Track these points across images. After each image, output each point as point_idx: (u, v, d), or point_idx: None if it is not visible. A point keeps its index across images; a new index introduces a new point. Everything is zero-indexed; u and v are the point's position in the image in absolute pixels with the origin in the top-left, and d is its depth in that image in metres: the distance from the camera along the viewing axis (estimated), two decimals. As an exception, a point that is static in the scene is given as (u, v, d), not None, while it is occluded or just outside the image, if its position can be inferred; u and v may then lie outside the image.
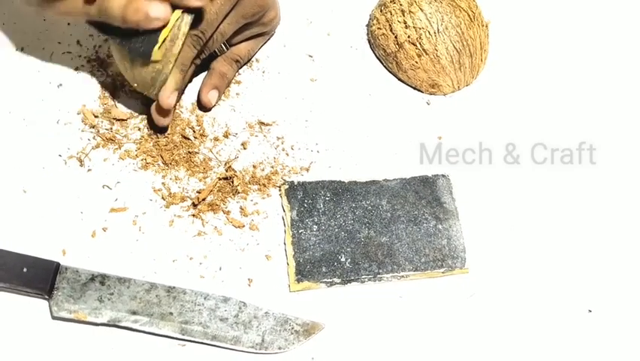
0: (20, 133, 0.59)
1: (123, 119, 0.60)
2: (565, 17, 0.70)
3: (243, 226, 0.57)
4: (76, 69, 0.62)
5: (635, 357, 0.55)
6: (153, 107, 0.58)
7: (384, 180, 0.59)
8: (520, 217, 0.60)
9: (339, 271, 0.55)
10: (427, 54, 0.62)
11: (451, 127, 0.63)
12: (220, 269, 0.56)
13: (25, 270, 0.52)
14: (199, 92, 0.61)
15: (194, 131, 0.60)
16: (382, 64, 0.66)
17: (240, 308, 0.54)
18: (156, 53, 0.53)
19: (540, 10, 0.70)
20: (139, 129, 0.60)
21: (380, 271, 0.56)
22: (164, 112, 0.58)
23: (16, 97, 0.60)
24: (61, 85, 0.61)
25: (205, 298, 0.54)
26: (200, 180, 0.58)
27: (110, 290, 0.53)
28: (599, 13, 0.71)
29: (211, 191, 0.58)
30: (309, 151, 0.61)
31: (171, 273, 0.55)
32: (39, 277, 0.52)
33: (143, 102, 0.61)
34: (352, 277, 0.55)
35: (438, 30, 0.62)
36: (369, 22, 0.67)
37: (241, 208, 0.58)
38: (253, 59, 0.65)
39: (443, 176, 0.60)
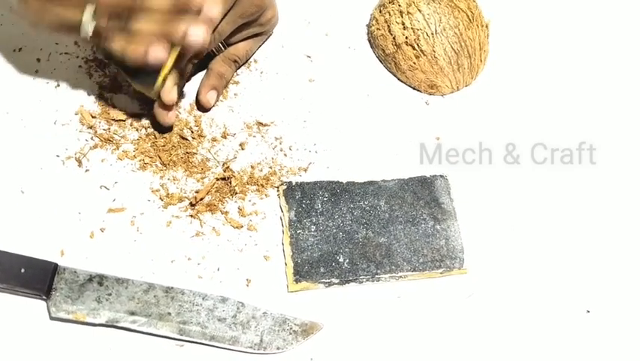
0: (18, 134, 0.59)
1: (121, 120, 0.60)
2: (565, 18, 0.70)
3: (241, 227, 0.57)
4: (74, 70, 0.62)
5: (633, 357, 0.55)
6: (156, 105, 0.58)
7: (382, 180, 0.59)
8: (519, 217, 0.60)
9: (338, 271, 0.55)
10: (424, 55, 0.62)
11: (450, 127, 0.63)
12: (218, 270, 0.55)
13: (23, 271, 0.52)
14: (197, 92, 0.61)
15: (192, 132, 0.60)
16: (382, 64, 0.66)
17: (238, 309, 0.54)
18: (158, 86, 0.55)
19: (541, 11, 0.70)
20: (137, 130, 0.60)
21: (378, 271, 0.55)
22: (167, 108, 0.57)
23: (14, 97, 0.60)
24: (58, 85, 0.61)
25: (203, 299, 0.54)
26: (198, 181, 0.58)
27: (108, 291, 0.53)
28: (598, 13, 0.71)
29: (209, 191, 0.58)
30: (307, 152, 0.61)
31: (169, 273, 0.55)
32: (37, 278, 0.52)
33: (141, 103, 0.61)
34: (350, 278, 0.55)
35: (435, 31, 0.62)
36: (369, 22, 0.67)
37: (239, 209, 0.58)
38: (251, 59, 0.65)
39: (441, 176, 0.60)
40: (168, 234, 0.56)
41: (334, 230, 0.57)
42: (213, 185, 0.58)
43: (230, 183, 0.58)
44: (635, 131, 0.65)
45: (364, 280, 0.56)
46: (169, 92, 0.56)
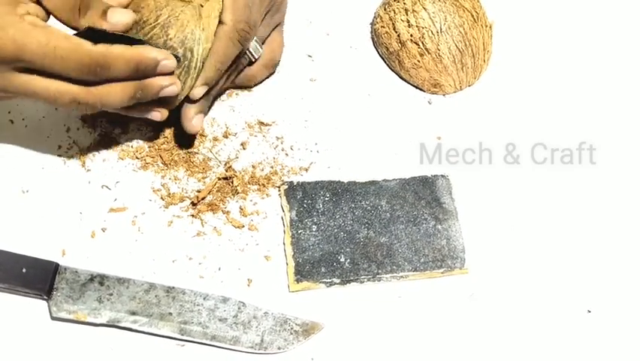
0: (20, 133, 0.59)
1: (123, 120, 0.60)
2: (567, 20, 0.70)
3: (243, 226, 0.57)
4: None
5: (634, 357, 0.55)
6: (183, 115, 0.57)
7: (383, 180, 0.59)
8: (519, 217, 0.60)
9: (339, 271, 0.55)
10: (429, 53, 0.62)
11: (452, 127, 0.63)
12: (219, 269, 0.55)
13: (24, 270, 0.52)
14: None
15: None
16: (385, 62, 0.66)
17: (239, 308, 0.54)
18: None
19: (543, 12, 0.70)
20: (138, 129, 0.60)
21: (379, 271, 0.56)
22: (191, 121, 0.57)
23: (16, 97, 0.60)
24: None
25: (204, 299, 0.54)
26: (199, 181, 0.58)
27: (110, 291, 0.53)
28: (599, 15, 0.71)
29: (210, 191, 0.58)
30: (309, 151, 0.61)
31: (170, 273, 0.55)
32: (38, 278, 0.52)
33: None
34: (351, 278, 0.55)
35: (441, 30, 0.62)
36: (373, 20, 0.67)
37: (240, 208, 0.58)
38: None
39: (442, 176, 0.60)
40: (169, 233, 0.56)
41: (335, 230, 0.57)
42: (215, 184, 0.58)
43: (232, 182, 0.58)
44: (635, 131, 0.65)
45: (365, 280, 0.56)
46: (191, 119, 0.56)
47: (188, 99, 0.56)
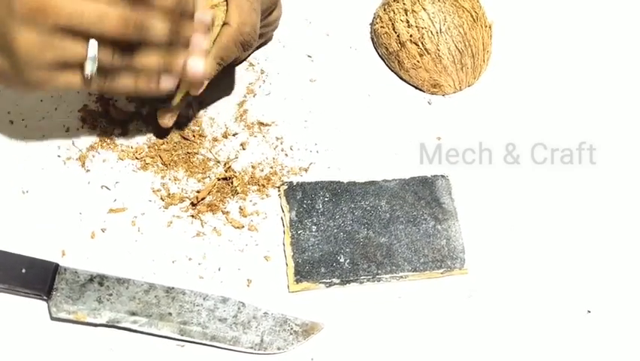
0: (19, 134, 0.59)
1: (122, 120, 0.60)
2: (567, 20, 0.70)
3: (242, 227, 0.57)
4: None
5: (634, 358, 0.55)
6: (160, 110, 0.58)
7: (383, 180, 0.59)
8: (519, 218, 0.60)
9: (338, 271, 0.55)
10: (428, 54, 0.62)
11: (451, 127, 0.63)
12: (219, 270, 0.55)
13: (23, 271, 0.52)
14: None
15: (192, 132, 0.60)
16: (385, 63, 0.66)
17: (239, 309, 0.54)
18: (176, 104, 0.56)
19: (543, 12, 0.70)
20: (138, 130, 0.60)
21: (379, 271, 0.55)
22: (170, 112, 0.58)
23: (15, 97, 0.60)
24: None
25: (204, 299, 0.54)
26: (199, 181, 0.58)
27: (109, 291, 0.53)
28: (599, 15, 0.71)
29: (210, 191, 0.58)
30: (308, 152, 0.61)
31: (170, 273, 0.55)
32: (38, 278, 0.52)
33: (142, 103, 0.61)
34: (351, 278, 0.55)
35: (440, 30, 0.62)
36: (372, 20, 0.67)
37: (240, 209, 0.58)
38: (252, 59, 0.65)
39: (442, 176, 0.60)
40: (169, 234, 0.56)
41: (335, 230, 0.57)
42: (214, 185, 0.58)
43: (232, 183, 0.58)
44: (635, 131, 0.65)
45: (365, 280, 0.56)
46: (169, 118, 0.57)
47: (187, 95, 0.56)
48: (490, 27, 0.65)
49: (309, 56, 0.66)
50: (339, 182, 0.59)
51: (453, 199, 0.59)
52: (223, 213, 0.57)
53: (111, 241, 0.56)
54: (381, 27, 0.65)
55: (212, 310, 0.53)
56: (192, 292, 0.54)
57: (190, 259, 0.56)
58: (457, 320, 0.55)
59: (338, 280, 0.55)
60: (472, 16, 0.63)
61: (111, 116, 0.60)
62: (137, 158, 0.59)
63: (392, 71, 0.66)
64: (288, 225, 0.56)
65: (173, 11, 0.50)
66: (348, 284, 0.56)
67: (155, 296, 0.53)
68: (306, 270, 0.55)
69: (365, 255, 0.56)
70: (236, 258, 0.56)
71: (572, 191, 0.62)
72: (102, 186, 0.58)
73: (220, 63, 0.55)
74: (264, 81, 0.64)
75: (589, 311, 0.57)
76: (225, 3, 0.54)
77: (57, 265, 0.53)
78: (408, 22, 0.63)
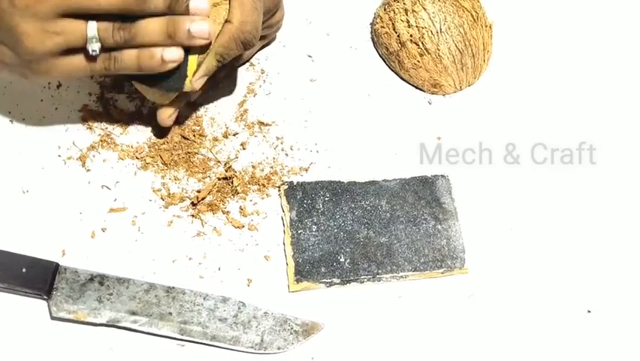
0: (20, 133, 0.59)
1: (122, 120, 0.60)
2: (567, 20, 0.70)
3: (243, 227, 0.57)
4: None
5: (634, 357, 0.55)
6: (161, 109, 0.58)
7: (383, 180, 0.59)
8: (519, 217, 0.60)
9: (339, 271, 0.55)
10: (429, 53, 0.62)
11: (451, 127, 0.63)
12: (219, 269, 0.55)
13: (24, 270, 0.52)
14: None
15: (193, 132, 0.60)
16: (385, 62, 0.66)
17: (239, 308, 0.54)
18: (188, 85, 0.54)
19: (543, 13, 0.70)
20: (138, 130, 0.60)
21: (379, 271, 0.56)
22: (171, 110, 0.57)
23: (15, 97, 0.60)
24: (60, 85, 0.61)
25: (204, 299, 0.54)
26: (199, 181, 0.58)
27: (109, 290, 0.53)
28: (599, 15, 0.71)
29: (210, 191, 0.58)
30: (309, 151, 0.61)
31: (170, 273, 0.55)
32: (38, 278, 0.52)
33: (142, 103, 0.61)
34: (351, 278, 0.55)
35: (440, 30, 0.62)
36: (373, 20, 0.67)
37: (240, 208, 0.58)
38: (252, 58, 0.65)
39: (442, 176, 0.60)
40: (169, 234, 0.56)
41: (335, 230, 0.57)
42: (214, 185, 0.58)
43: (232, 182, 0.58)
44: (635, 131, 0.65)
45: (365, 280, 0.56)
46: (197, 82, 0.55)
47: (186, 94, 0.57)
48: (490, 27, 0.65)
49: (309, 56, 0.66)
50: (339, 182, 0.59)
51: (453, 199, 0.59)
52: (223, 212, 0.57)
53: (111, 241, 0.56)
54: (381, 27, 0.65)
55: (212, 310, 0.53)
56: (192, 292, 0.54)
57: (190, 258, 0.56)
58: (457, 320, 0.55)
59: (338, 280, 0.55)
60: (472, 16, 0.63)
61: (111, 115, 0.60)
62: (137, 158, 0.59)
63: (392, 70, 0.66)
64: (289, 224, 0.56)
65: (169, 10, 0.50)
66: (348, 284, 0.56)
67: (156, 296, 0.53)
68: (307, 270, 0.55)
69: (365, 255, 0.56)
70: (237, 257, 0.56)
71: (572, 191, 0.62)
72: (102, 186, 0.58)
73: (220, 61, 0.55)
74: (264, 81, 0.64)
75: (589, 311, 0.57)
76: (228, 2, 0.54)
77: (57, 265, 0.53)
78: (408, 22, 0.63)
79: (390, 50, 0.64)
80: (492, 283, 0.57)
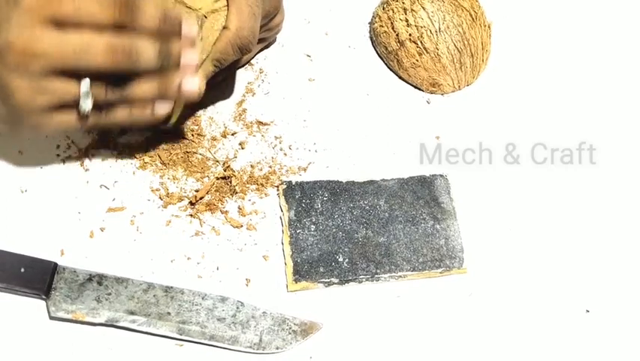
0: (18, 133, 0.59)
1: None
2: (566, 19, 0.70)
3: (241, 226, 0.57)
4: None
5: (633, 357, 0.55)
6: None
7: (382, 180, 0.59)
8: (519, 217, 0.60)
9: (337, 271, 0.55)
10: (427, 53, 0.62)
11: (451, 127, 0.63)
12: (218, 269, 0.55)
13: (22, 270, 0.52)
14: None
15: (191, 131, 0.60)
16: (384, 62, 0.66)
17: (237, 308, 0.54)
18: (173, 124, 0.56)
19: (543, 12, 0.70)
20: (137, 130, 0.60)
21: (378, 271, 0.55)
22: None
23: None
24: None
25: (203, 298, 0.54)
26: (197, 180, 0.58)
27: (108, 290, 0.53)
28: (599, 15, 0.71)
29: (209, 191, 0.58)
30: (307, 151, 0.61)
31: (169, 273, 0.55)
32: (37, 278, 0.52)
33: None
34: (350, 277, 0.55)
35: (439, 29, 0.62)
36: (371, 19, 0.67)
37: (239, 208, 0.58)
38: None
39: (441, 176, 0.60)
40: (168, 233, 0.56)
41: (334, 230, 0.57)
42: (213, 184, 0.58)
43: (231, 182, 0.58)
44: (635, 131, 0.65)
45: (364, 279, 0.56)
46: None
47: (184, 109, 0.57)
48: (489, 26, 0.65)
49: (308, 56, 0.66)
50: (337, 181, 0.59)
51: (452, 199, 0.59)
52: (222, 212, 0.57)
53: (110, 241, 0.56)
54: (380, 26, 0.65)
55: (210, 310, 0.53)
56: (191, 292, 0.54)
57: (189, 258, 0.56)
58: (456, 320, 0.55)
59: (337, 280, 0.55)
60: (471, 15, 0.63)
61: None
62: (135, 157, 0.59)
63: (391, 70, 0.66)
64: (287, 224, 0.56)
65: (159, 31, 0.50)
66: (346, 284, 0.56)
67: (154, 296, 0.53)
68: (305, 269, 0.55)
69: (364, 254, 0.56)
70: (235, 257, 0.56)
71: (572, 191, 0.62)
72: (101, 186, 0.58)
73: (217, 66, 0.55)
74: (262, 80, 0.64)
75: (587, 311, 0.57)
76: (226, 8, 0.54)
77: (56, 265, 0.53)
78: (407, 21, 0.63)
79: (389, 49, 0.64)
80: (491, 282, 0.57)
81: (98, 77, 0.49)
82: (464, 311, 0.56)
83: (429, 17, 0.62)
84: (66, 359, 0.51)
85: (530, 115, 0.65)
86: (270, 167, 0.60)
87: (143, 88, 0.51)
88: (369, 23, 0.68)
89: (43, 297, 0.52)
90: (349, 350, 0.54)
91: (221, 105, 0.62)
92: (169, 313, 0.53)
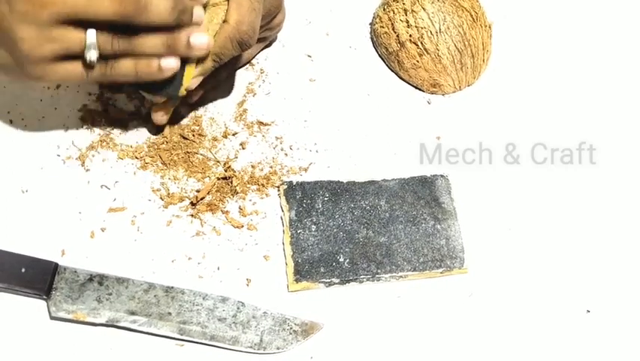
0: (19, 133, 0.59)
1: (122, 120, 0.60)
2: (566, 19, 0.70)
3: (242, 226, 0.57)
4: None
5: (633, 357, 0.55)
6: (155, 108, 0.58)
7: (382, 180, 0.59)
8: (519, 217, 0.60)
9: (338, 271, 0.55)
10: (428, 53, 0.62)
11: (451, 127, 0.63)
12: (218, 269, 0.55)
13: (23, 270, 0.52)
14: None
15: (192, 132, 0.60)
16: (384, 62, 0.66)
17: (238, 308, 0.54)
18: (182, 93, 0.55)
19: (543, 12, 0.70)
20: (137, 129, 0.60)
21: (378, 271, 0.55)
22: (164, 109, 0.58)
23: (15, 97, 0.60)
24: (59, 85, 0.61)
25: (203, 298, 0.54)
26: (198, 181, 0.58)
27: (109, 290, 0.53)
28: (599, 15, 0.71)
29: (209, 191, 0.58)
30: (308, 151, 0.61)
31: (170, 273, 0.55)
32: (37, 278, 0.52)
33: (141, 102, 0.61)
34: (351, 278, 0.55)
35: (440, 30, 0.62)
36: (372, 20, 0.67)
37: (240, 208, 0.58)
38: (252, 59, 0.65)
39: (442, 176, 0.60)
40: (169, 233, 0.56)
41: (335, 230, 0.57)
42: (214, 184, 0.58)
43: (231, 182, 0.58)
44: (635, 131, 0.65)
45: (365, 279, 0.56)
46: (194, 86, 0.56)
47: (185, 98, 0.57)
48: (489, 27, 0.65)
49: (308, 56, 0.66)
50: (338, 181, 0.59)
51: (452, 199, 0.59)
52: (223, 212, 0.57)
53: (111, 241, 0.56)
54: (380, 27, 0.65)
55: (211, 310, 0.53)
56: (192, 292, 0.54)
57: (189, 258, 0.56)
58: (456, 320, 0.55)
59: (337, 280, 0.55)
60: (471, 15, 0.63)
61: (111, 115, 0.60)
62: (136, 157, 0.59)
63: (392, 70, 0.66)
64: (288, 224, 0.56)
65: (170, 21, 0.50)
66: (347, 284, 0.56)
67: (155, 296, 0.53)
68: (306, 269, 0.55)
69: (365, 254, 0.56)
70: (236, 257, 0.56)
71: (572, 191, 0.62)
72: (102, 186, 0.58)
73: (216, 60, 0.55)
74: (263, 81, 0.64)
75: (588, 311, 0.57)
76: (226, 2, 0.54)
77: (57, 265, 0.53)
78: (407, 22, 0.63)
79: (390, 50, 0.64)
80: (491, 282, 0.57)
81: (106, 28, 0.49)
82: (465, 311, 0.56)
83: (429, 18, 0.62)
84: (67, 359, 0.51)
85: (530, 115, 0.65)
86: (271, 167, 0.60)
87: (150, 42, 0.50)
88: (370, 24, 0.68)
89: (44, 297, 0.52)
90: (350, 350, 0.54)
91: (222, 105, 0.62)
92: (170, 314, 0.53)
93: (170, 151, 0.59)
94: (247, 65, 0.64)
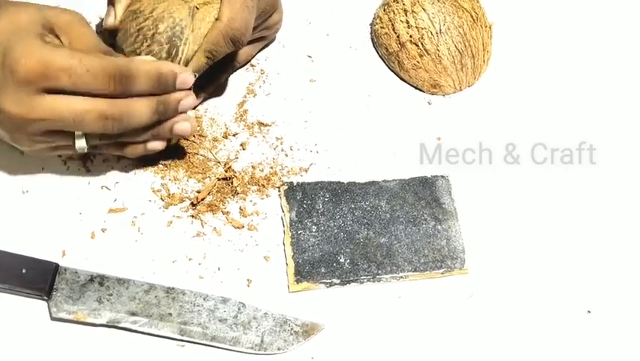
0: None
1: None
2: (566, 20, 0.70)
3: (242, 227, 0.57)
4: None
5: (634, 358, 0.55)
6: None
7: (383, 180, 0.59)
8: (519, 218, 0.60)
9: (339, 271, 0.55)
10: (428, 54, 0.62)
11: (451, 127, 0.63)
12: (219, 270, 0.55)
13: (24, 271, 0.52)
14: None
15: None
16: (385, 63, 0.66)
17: (239, 309, 0.54)
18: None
19: (543, 13, 0.70)
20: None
21: (379, 271, 0.56)
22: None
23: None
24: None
25: (204, 299, 0.54)
26: (199, 181, 0.58)
27: (109, 291, 0.53)
28: (599, 16, 0.71)
29: (210, 192, 0.58)
30: (309, 152, 0.61)
31: (170, 274, 0.55)
32: (38, 278, 0.52)
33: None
34: (351, 278, 0.55)
35: (440, 30, 0.62)
36: (372, 20, 0.67)
37: (240, 209, 0.58)
38: (252, 59, 0.65)
39: (442, 177, 0.60)
40: (169, 234, 0.56)
41: (335, 230, 0.57)
42: (214, 185, 0.58)
43: (232, 183, 0.58)
44: (635, 131, 0.65)
45: (365, 280, 0.56)
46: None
47: None
48: (490, 27, 0.65)
49: (309, 56, 0.66)
50: (339, 182, 0.59)
51: (453, 199, 0.59)
52: (223, 213, 0.57)
53: (111, 241, 0.56)
54: (381, 27, 0.65)
55: (212, 311, 0.53)
56: (192, 293, 0.54)
57: (190, 259, 0.56)
58: (457, 320, 0.55)
59: (338, 281, 0.55)
60: (471, 16, 0.63)
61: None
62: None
63: (392, 71, 0.66)
64: (288, 225, 0.56)
65: (155, 88, 0.52)
66: (348, 284, 0.56)
67: (155, 296, 0.53)
68: (307, 270, 0.55)
69: (365, 255, 0.56)
70: (237, 258, 0.56)
71: (572, 191, 0.62)
72: (102, 186, 0.58)
73: (209, 57, 0.55)
74: (264, 81, 0.64)
75: (589, 311, 0.57)
76: (220, 0, 0.54)
77: (57, 265, 0.53)
78: (408, 22, 0.63)
79: (390, 50, 0.64)
80: (492, 283, 0.57)
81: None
82: (465, 312, 0.56)
83: (429, 19, 0.62)
84: (67, 360, 0.51)
85: (530, 115, 0.65)
86: (272, 168, 0.60)
87: (136, 135, 0.53)
88: (370, 25, 0.68)
89: (45, 298, 0.52)
90: (351, 351, 0.54)
91: (222, 106, 0.62)
92: (170, 314, 0.53)
93: (171, 151, 0.59)
94: (247, 66, 0.64)
